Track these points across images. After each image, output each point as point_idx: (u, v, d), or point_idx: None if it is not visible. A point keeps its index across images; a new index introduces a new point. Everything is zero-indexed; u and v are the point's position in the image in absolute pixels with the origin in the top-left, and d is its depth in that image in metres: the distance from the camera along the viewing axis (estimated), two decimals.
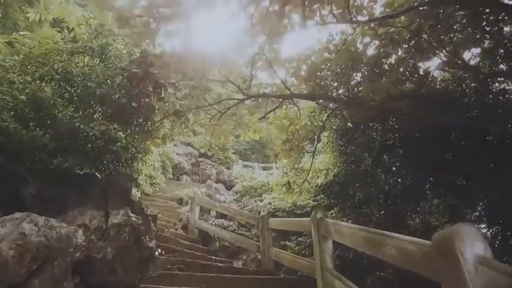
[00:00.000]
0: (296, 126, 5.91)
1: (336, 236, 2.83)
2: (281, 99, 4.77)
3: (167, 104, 4.54)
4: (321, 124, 6.28)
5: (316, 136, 6.35)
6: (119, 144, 4.15)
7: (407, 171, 5.61)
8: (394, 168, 6.07)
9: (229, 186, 13.19)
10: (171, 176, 13.64)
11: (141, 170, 5.10)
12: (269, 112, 4.83)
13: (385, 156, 6.11)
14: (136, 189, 8.71)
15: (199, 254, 4.80)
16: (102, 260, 3.03)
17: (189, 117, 4.90)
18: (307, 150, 6.35)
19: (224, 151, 17.84)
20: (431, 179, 5.38)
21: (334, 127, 6.87)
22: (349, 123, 6.66)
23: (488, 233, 5.32)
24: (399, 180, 5.90)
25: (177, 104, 4.55)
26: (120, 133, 4.41)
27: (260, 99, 5.47)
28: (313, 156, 6.29)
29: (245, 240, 5.56)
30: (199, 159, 16.67)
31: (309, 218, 3.56)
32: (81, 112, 3.63)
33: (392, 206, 5.74)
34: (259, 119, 4.92)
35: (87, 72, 3.66)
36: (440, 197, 5.52)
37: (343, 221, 5.84)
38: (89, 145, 3.49)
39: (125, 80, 4.14)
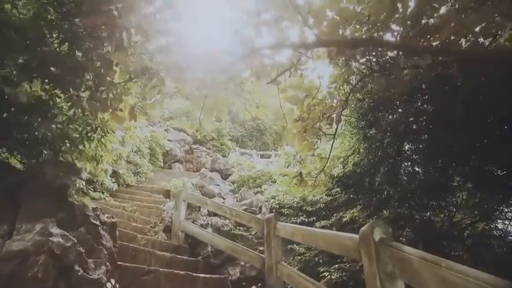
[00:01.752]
0: (313, 101, 4.48)
1: None
2: (302, 52, 3.28)
3: (132, 57, 3.04)
4: (343, 99, 4.88)
5: (335, 115, 4.96)
6: (51, 114, 2.69)
7: (432, 160, 4.74)
8: (416, 157, 5.12)
9: (225, 176, 11.90)
10: (162, 164, 12.33)
11: (101, 156, 3.61)
12: (282, 73, 3.36)
13: (406, 143, 5.12)
14: (113, 179, 7.30)
15: (182, 274, 3.37)
16: None
17: (167, 81, 3.41)
18: (324, 132, 4.95)
19: (220, 137, 16.46)
20: (458, 168, 4.64)
21: (352, 105, 5.54)
22: (371, 103, 5.34)
23: None
24: (422, 170, 5.06)
25: (146, 58, 3.06)
26: (64, 103, 2.96)
27: (266, 62, 4.01)
28: (334, 140, 4.88)
29: (245, 251, 4.16)
30: (193, 146, 15.39)
31: (355, 236, 2.14)
32: None
33: (417, 200, 4.89)
34: (268, 82, 3.45)
35: None
36: (470, 191, 4.88)
37: (368, 221, 4.52)
38: None
39: (60, 16, 2.64)
